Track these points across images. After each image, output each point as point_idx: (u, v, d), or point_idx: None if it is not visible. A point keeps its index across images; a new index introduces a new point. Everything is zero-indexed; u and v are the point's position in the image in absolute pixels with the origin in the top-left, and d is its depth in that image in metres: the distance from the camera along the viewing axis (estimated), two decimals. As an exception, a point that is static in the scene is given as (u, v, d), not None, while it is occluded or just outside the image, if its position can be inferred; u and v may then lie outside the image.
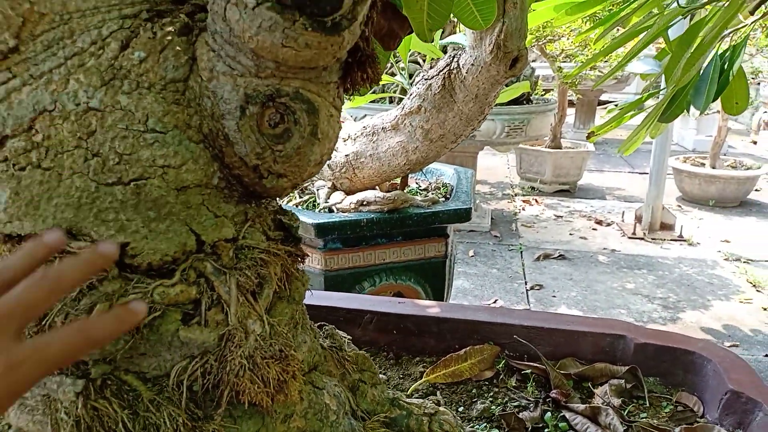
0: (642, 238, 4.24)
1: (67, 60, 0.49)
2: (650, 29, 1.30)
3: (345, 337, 0.79)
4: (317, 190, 2.12)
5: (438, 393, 1.10)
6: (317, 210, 2.01)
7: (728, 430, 0.99)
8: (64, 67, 0.49)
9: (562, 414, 1.04)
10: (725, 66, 1.30)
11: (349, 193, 2.06)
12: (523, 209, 5.00)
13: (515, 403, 1.07)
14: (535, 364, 1.14)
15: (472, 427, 1.00)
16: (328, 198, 2.05)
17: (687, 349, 1.11)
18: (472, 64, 1.55)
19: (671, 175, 5.27)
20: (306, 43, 0.47)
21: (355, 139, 2.00)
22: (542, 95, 5.46)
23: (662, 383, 1.12)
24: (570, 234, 4.37)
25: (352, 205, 1.94)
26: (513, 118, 3.83)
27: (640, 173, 6.37)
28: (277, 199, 0.65)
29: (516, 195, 5.44)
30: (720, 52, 1.27)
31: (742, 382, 1.01)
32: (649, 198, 4.30)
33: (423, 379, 1.12)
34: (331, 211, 1.98)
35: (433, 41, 1.40)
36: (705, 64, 1.27)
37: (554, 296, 3.33)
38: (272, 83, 0.50)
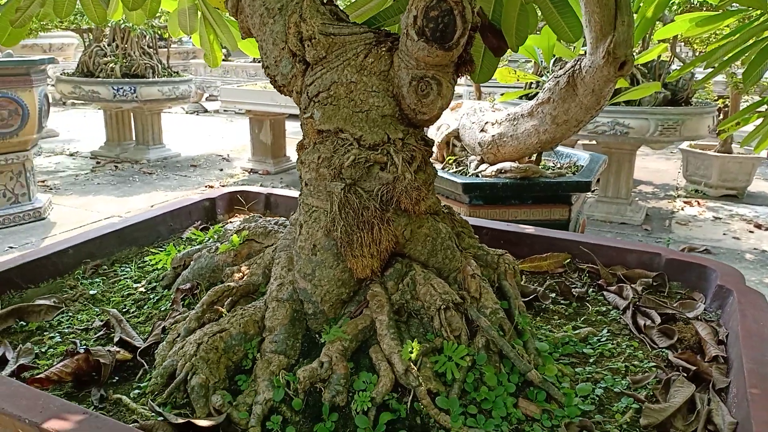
0: (801, 244, 4.26)
1: (344, 62, 1.24)
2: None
3: (458, 213, 1.47)
4: (469, 162, 2.79)
5: (523, 275, 1.73)
6: (467, 175, 2.68)
7: (713, 309, 1.49)
8: (342, 64, 1.24)
9: (601, 293, 1.61)
10: None
11: (493, 165, 2.71)
12: (683, 209, 5.16)
13: (572, 285, 1.66)
14: (592, 266, 1.71)
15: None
16: (477, 168, 2.72)
17: (701, 264, 1.60)
18: (590, 66, 2.10)
19: None
20: (437, 55, 1.16)
21: (500, 124, 2.65)
22: (714, 100, 5.54)
23: (682, 286, 1.63)
24: (723, 234, 4.50)
25: (493, 173, 2.59)
26: (667, 118, 4.13)
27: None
28: (424, 130, 1.35)
29: (678, 196, 5.57)
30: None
31: (728, 282, 1.50)
32: (814, 204, 4.29)
33: (515, 267, 1.74)
34: (477, 176, 2.64)
35: (517, 50, 1.94)
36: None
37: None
38: (423, 72, 1.20)
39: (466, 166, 2.81)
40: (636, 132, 4.20)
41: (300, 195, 1.33)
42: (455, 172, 2.80)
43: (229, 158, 6.84)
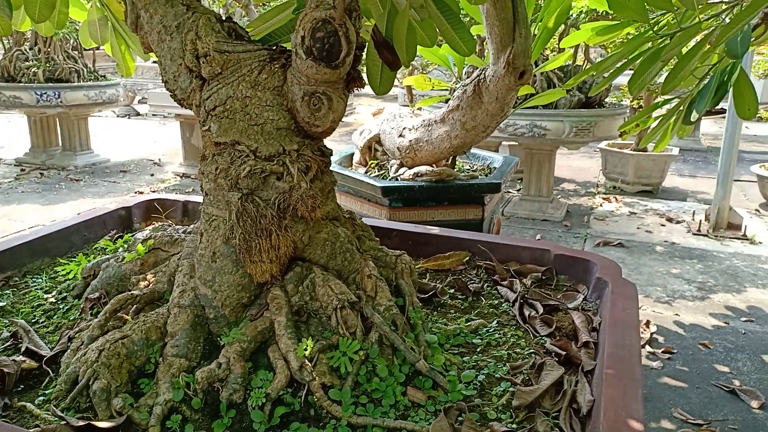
0: (706, 235, 4.58)
1: (238, 77, 1.31)
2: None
3: (360, 218, 1.57)
4: (390, 166, 2.90)
5: (427, 273, 1.84)
6: (388, 179, 2.79)
7: (593, 299, 1.64)
8: (237, 80, 1.31)
9: (496, 287, 1.74)
10: (725, 78, 1.78)
11: (411, 168, 2.82)
12: (601, 205, 5.45)
13: (469, 281, 1.78)
14: (489, 263, 1.84)
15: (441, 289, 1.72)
16: (396, 171, 2.83)
17: (585, 258, 1.76)
18: (493, 76, 2.23)
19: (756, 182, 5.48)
20: (325, 73, 1.25)
21: (417, 129, 2.76)
22: (630, 102, 5.85)
23: (569, 279, 1.78)
24: (637, 228, 4.79)
25: (411, 176, 2.70)
26: (580, 120, 4.37)
27: (736, 180, 6.49)
28: (323, 140, 1.43)
29: (598, 193, 5.86)
30: (723, 67, 1.71)
31: (606, 274, 1.65)
32: (716, 199, 4.62)
33: (420, 266, 1.86)
34: (396, 179, 2.75)
35: (408, 66, 2.04)
36: (711, 76, 1.68)
37: (602, 274, 3.84)
38: (314, 88, 1.29)
39: (388, 170, 2.92)
40: (552, 133, 4.42)
41: (202, 205, 1.39)
42: (377, 175, 2.91)
43: (160, 163, 6.74)
